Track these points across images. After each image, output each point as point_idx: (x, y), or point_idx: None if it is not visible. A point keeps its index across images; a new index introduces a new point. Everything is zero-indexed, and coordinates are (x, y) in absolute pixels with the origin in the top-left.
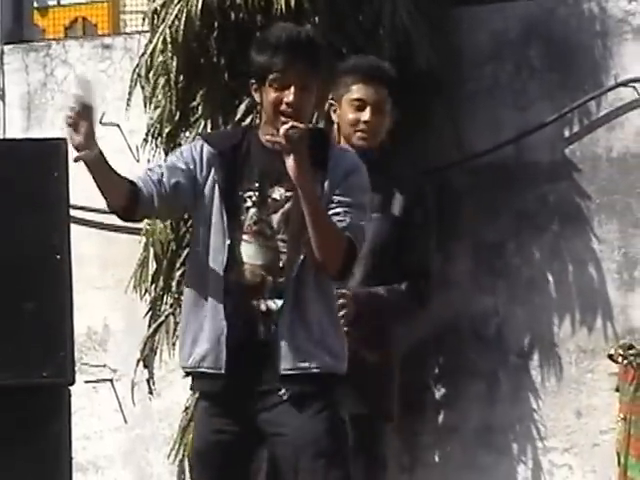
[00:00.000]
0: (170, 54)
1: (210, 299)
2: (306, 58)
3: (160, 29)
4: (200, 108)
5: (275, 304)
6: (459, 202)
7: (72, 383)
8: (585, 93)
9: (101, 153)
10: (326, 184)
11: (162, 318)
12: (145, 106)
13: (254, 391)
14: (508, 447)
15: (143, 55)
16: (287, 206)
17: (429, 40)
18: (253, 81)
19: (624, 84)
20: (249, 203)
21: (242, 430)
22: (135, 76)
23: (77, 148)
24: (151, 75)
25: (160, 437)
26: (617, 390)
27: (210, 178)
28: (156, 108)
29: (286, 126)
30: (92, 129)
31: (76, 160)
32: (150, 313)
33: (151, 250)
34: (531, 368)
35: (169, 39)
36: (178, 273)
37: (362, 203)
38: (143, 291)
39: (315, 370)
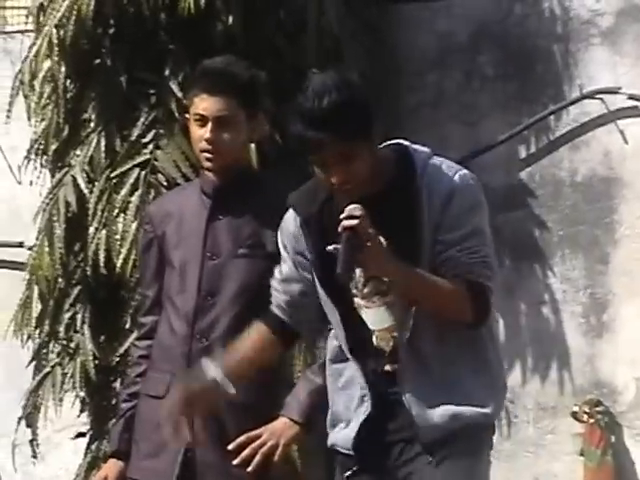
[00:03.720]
0: (58, 58)
1: (347, 373)
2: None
3: (46, 28)
4: (92, 121)
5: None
6: None
7: None
8: (545, 107)
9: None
10: (425, 223)
11: (48, 369)
12: (29, 119)
13: (398, 440)
14: None
15: (26, 59)
16: None
17: (362, 44)
18: None
19: (590, 96)
20: None
21: None
22: (17, 83)
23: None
24: (36, 82)
25: None
26: (582, 454)
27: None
28: (41, 121)
29: (341, 227)
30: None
31: None
32: (34, 363)
33: (35, 288)
34: None
35: (56, 40)
36: (67, 315)
37: (476, 228)
38: (25, 337)
39: (451, 426)
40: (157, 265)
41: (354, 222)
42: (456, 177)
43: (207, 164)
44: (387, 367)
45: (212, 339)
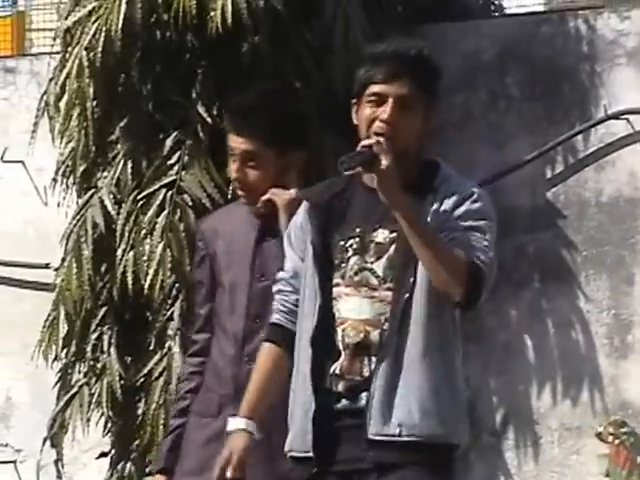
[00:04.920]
0: (86, 79)
1: (300, 370)
2: (412, 73)
3: (75, 50)
4: (120, 143)
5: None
6: None
7: None
8: (571, 127)
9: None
10: (432, 213)
11: (74, 389)
12: (54, 140)
13: (351, 470)
14: None
15: (52, 80)
16: (392, 249)
17: None
18: (354, 100)
19: (616, 116)
20: (350, 252)
21: None
22: (43, 105)
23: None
24: (62, 103)
25: None
26: (607, 475)
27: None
28: (68, 142)
29: (359, 145)
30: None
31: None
32: (60, 383)
33: (62, 309)
34: (506, 448)
35: (85, 62)
36: (94, 336)
37: (481, 227)
38: (52, 357)
39: (407, 438)
40: (210, 282)
41: (372, 141)
42: (478, 192)
43: (242, 200)
44: (364, 369)
45: None
